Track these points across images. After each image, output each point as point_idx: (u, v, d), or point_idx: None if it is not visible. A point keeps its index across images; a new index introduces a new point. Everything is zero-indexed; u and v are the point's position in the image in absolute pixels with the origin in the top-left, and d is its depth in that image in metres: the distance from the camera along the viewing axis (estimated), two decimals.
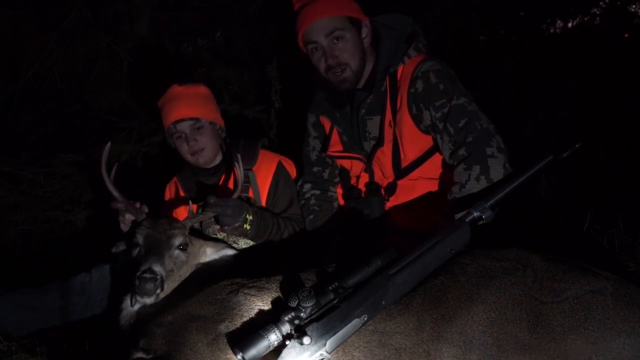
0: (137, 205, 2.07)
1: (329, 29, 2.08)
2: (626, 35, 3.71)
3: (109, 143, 2.10)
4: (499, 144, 1.91)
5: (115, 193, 2.05)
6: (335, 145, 2.38)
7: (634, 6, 3.70)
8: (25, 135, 3.65)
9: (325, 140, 2.44)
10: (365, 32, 2.17)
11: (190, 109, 2.36)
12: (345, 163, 2.41)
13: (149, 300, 1.80)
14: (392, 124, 2.16)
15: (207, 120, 2.41)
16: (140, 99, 3.60)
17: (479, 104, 2.04)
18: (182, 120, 2.35)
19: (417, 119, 2.11)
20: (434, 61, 2.09)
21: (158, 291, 1.78)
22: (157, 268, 1.79)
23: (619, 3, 3.72)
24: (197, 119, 2.37)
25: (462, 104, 1.99)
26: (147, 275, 1.76)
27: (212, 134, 2.43)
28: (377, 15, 2.24)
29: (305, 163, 2.55)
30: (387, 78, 2.16)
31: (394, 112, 2.15)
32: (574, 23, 3.81)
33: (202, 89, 2.46)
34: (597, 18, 3.75)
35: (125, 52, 3.46)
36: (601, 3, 3.76)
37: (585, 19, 3.77)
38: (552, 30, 3.82)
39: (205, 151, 2.41)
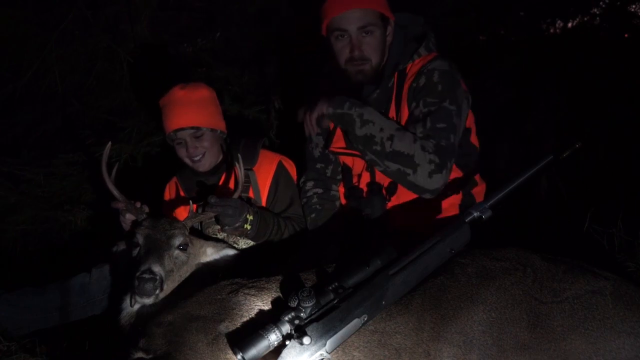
0: (138, 204, 2.07)
1: (362, 22, 2.07)
2: (626, 35, 3.71)
3: (110, 143, 2.10)
4: (450, 167, 1.96)
5: (115, 193, 2.05)
6: (339, 142, 2.38)
7: (634, 6, 3.71)
8: (25, 135, 3.66)
9: (328, 136, 2.44)
10: (389, 30, 2.17)
11: (191, 118, 2.32)
12: (348, 160, 2.41)
13: (148, 301, 1.80)
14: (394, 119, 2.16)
15: (208, 128, 2.38)
16: (140, 99, 3.60)
17: (479, 104, 2.05)
18: (182, 128, 2.34)
19: None
20: (444, 61, 2.10)
21: (157, 291, 1.78)
22: (157, 268, 1.79)
23: (619, 3, 3.72)
24: (197, 128, 2.34)
25: (450, 111, 2.01)
26: (147, 276, 1.76)
27: (212, 140, 2.41)
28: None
29: (308, 160, 2.55)
30: (396, 75, 2.17)
31: (398, 108, 2.16)
32: (574, 23, 3.81)
33: (204, 92, 2.42)
34: (597, 18, 3.75)
35: (125, 52, 3.46)
36: (601, 3, 3.76)
37: (585, 19, 3.77)
38: (552, 30, 3.83)
39: (205, 158, 2.40)
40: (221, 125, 2.47)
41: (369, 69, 2.16)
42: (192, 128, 2.33)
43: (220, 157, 2.53)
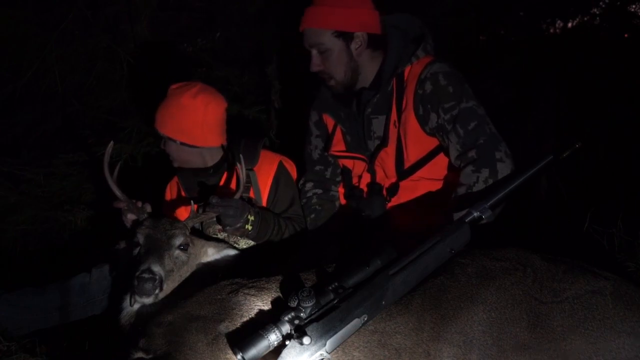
0: (139, 204, 2.07)
1: (312, 41, 2.14)
2: (626, 35, 3.71)
3: (112, 142, 2.09)
4: (506, 149, 1.94)
5: (117, 192, 2.05)
6: (338, 145, 2.38)
7: (634, 6, 3.71)
8: (25, 135, 3.66)
9: (328, 139, 2.44)
10: (358, 42, 2.15)
11: (167, 126, 2.31)
12: (348, 163, 2.41)
13: (148, 301, 1.80)
14: (396, 124, 2.16)
15: (179, 142, 2.33)
16: (140, 99, 3.60)
17: (483, 106, 2.05)
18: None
19: (423, 121, 2.11)
20: (443, 63, 2.09)
21: (157, 291, 1.78)
22: (156, 268, 1.79)
23: (619, 3, 3.72)
24: (172, 139, 2.34)
25: (472, 107, 2.01)
26: (146, 276, 1.76)
27: (180, 152, 2.38)
28: (385, 15, 2.23)
29: (307, 162, 2.55)
30: (394, 78, 2.16)
31: (399, 112, 2.15)
32: (574, 23, 3.81)
33: (185, 101, 2.28)
34: (597, 18, 3.75)
35: (125, 52, 3.46)
36: (601, 3, 3.76)
37: (585, 19, 3.77)
38: (552, 30, 3.82)
39: (181, 162, 2.43)
40: (197, 140, 2.33)
41: (335, 84, 2.20)
42: (166, 135, 2.35)
43: (220, 157, 2.53)
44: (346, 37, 2.13)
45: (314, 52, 2.15)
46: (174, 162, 2.45)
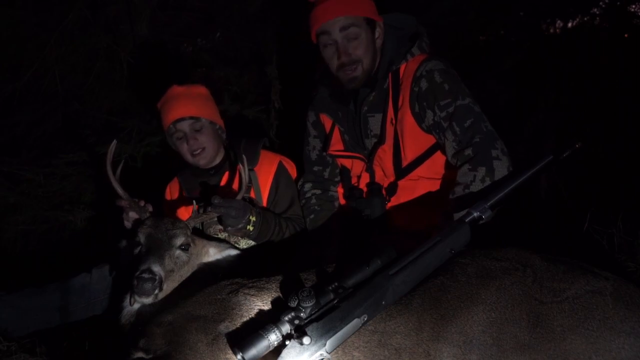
0: (142, 203, 2.07)
1: (345, 24, 2.08)
2: (626, 35, 3.71)
3: (114, 141, 2.09)
4: (503, 147, 1.93)
5: (120, 191, 2.05)
6: (336, 144, 2.39)
7: (634, 6, 3.70)
8: (25, 135, 3.65)
9: (326, 139, 2.44)
10: (378, 32, 2.17)
11: (190, 108, 2.35)
12: (346, 162, 2.41)
13: (147, 300, 1.80)
14: (393, 121, 2.16)
15: (207, 120, 2.40)
16: (140, 99, 3.61)
17: (479, 104, 2.05)
18: (182, 119, 2.35)
19: (419, 118, 2.11)
20: (438, 60, 2.09)
21: (156, 291, 1.78)
22: (156, 268, 1.79)
23: (619, 3, 3.71)
24: (197, 118, 2.37)
25: (468, 104, 2.00)
26: (146, 276, 1.76)
27: (212, 133, 2.43)
28: (382, 15, 2.24)
29: (306, 162, 2.55)
30: (390, 76, 2.16)
31: (396, 110, 2.15)
32: (574, 23, 3.81)
33: (202, 89, 2.46)
34: (597, 18, 3.75)
35: (125, 52, 3.46)
36: (601, 3, 3.75)
37: (585, 19, 3.77)
38: (552, 30, 3.82)
39: (205, 151, 2.41)
40: (220, 122, 2.50)
41: (361, 73, 2.15)
42: (191, 118, 2.35)
43: (221, 157, 2.53)
44: (372, 25, 2.14)
45: (342, 41, 2.10)
46: (202, 154, 2.39)
